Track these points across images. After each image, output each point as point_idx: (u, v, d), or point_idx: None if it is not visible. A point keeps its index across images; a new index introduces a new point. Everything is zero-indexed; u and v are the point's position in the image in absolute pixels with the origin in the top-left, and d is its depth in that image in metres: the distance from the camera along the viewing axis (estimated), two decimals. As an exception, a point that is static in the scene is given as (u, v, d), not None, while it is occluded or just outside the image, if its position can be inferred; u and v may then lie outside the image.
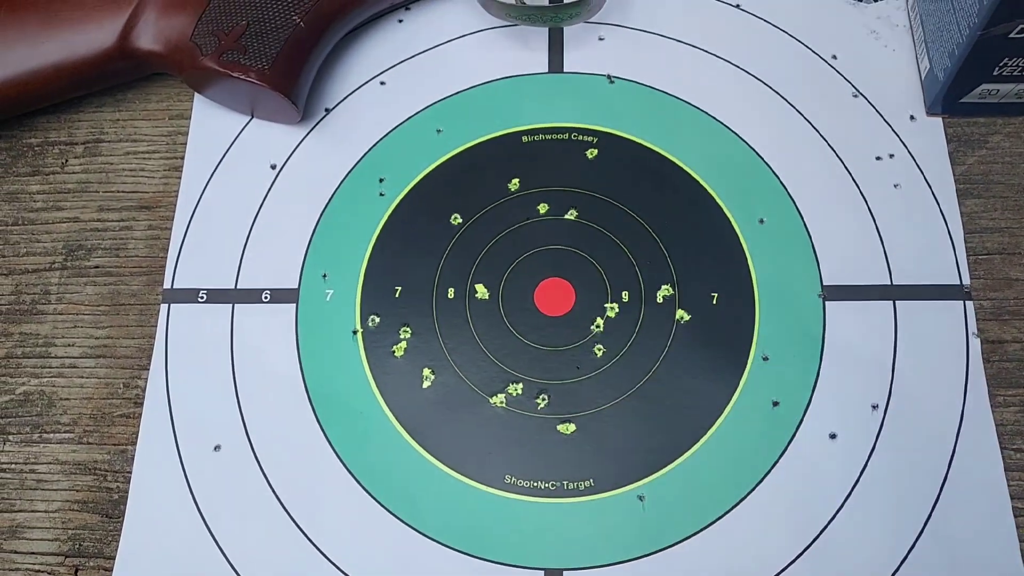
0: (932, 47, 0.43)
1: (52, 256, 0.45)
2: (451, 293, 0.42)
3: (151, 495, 0.39)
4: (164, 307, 0.43)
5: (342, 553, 0.38)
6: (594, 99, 0.46)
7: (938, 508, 0.37)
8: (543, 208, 0.44)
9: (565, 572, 0.37)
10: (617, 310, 0.42)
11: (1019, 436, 0.38)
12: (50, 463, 0.41)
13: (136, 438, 0.41)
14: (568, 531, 0.38)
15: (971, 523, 0.37)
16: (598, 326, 0.41)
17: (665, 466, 0.39)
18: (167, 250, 0.44)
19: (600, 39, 0.47)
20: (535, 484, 0.39)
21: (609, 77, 0.46)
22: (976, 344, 0.40)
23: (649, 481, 0.38)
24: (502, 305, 0.42)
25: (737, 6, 0.48)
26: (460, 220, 0.44)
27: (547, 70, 0.47)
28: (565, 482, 0.39)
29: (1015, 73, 0.40)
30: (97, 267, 0.44)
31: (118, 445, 0.41)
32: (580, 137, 0.45)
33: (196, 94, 0.47)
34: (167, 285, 0.43)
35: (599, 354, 0.41)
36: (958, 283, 0.41)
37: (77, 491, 0.40)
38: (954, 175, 0.43)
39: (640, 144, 0.45)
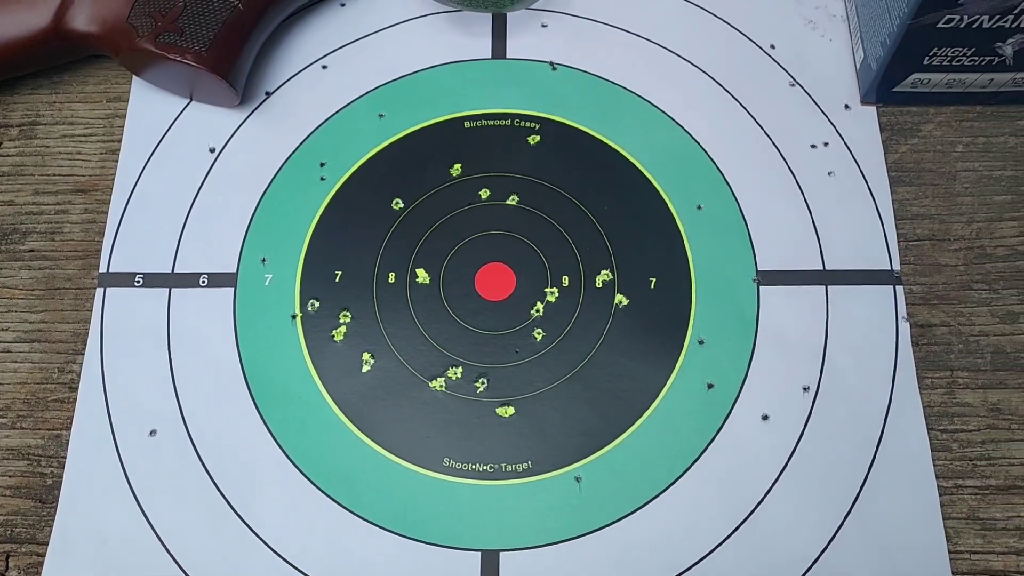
0: (866, 37, 0.44)
1: (-15, 240, 0.44)
2: (392, 278, 0.42)
3: (86, 480, 0.39)
4: (100, 291, 0.42)
5: (279, 537, 0.38)
6: (537, 86, 0.46)
7: (866, 487, 0.38)
8: (485, 193, 0.44)
9: (502, 553, 0.38)
10: (557, 295, 0.42)
11: (945, 417, 0.39)
12: (-18, 449, 0.40)
13: (71, 423, 0.40)
14: (505, 513, 0.38)
15: (898, 502, 0.38)
16: (538, 310, 0.42)
17: (601, 448, 0.39)
18: (103, 234, 0.44)
19: (543, 26, 0.48)
20: (473, 467, 0.39)
21: (552, 64, 0.47)
22: (905, 328, 0.41)
23: (586, 463, 0.39)
24: (443, 290, 0.42)
25: (679, -5, 0.48)
26: (401, 205, 0.44)
27: (490, 56, 0.47)
28: (503, 464, 0.39)
29: (944, 63, 0.41)
30: (32, 251, 0.44)
31: (52, 430, 0.40)
32: (522, 123, 0.45)
33: (134, 77, 0.47)
34: (103, 269, 0.43)
35: (538, 338, 0.41)
36: (889, 268, 0.42)
37: (10, 476, 0.40)
38: (887, 163, 0.44)
39: (582, 131, 0.45)
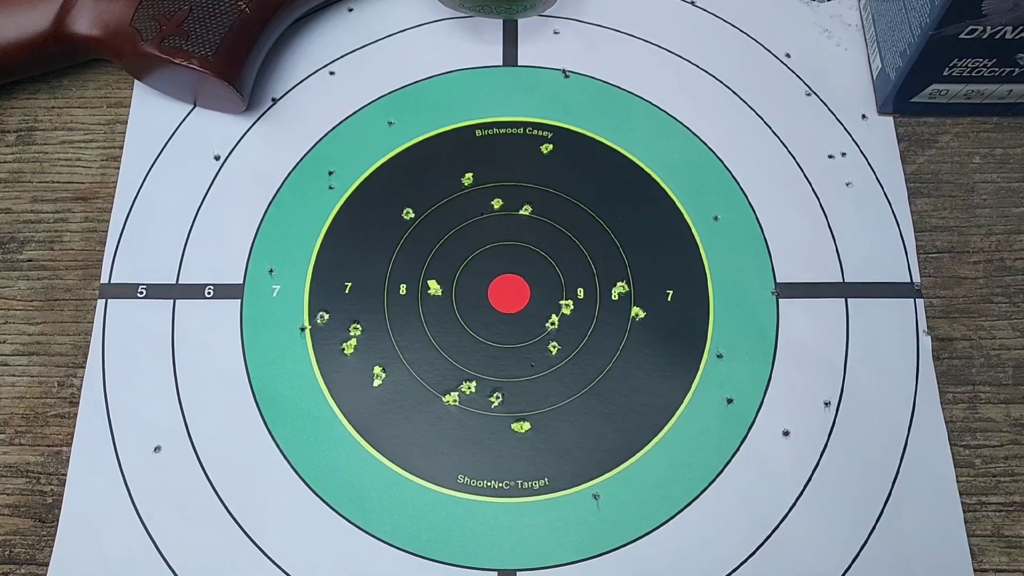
0: (884, 47, 0.43)
1: (-19, 249, 0.43)
2: (403, 289, 0.41)
3: (87, 498, 0.38)
4: (101, 302, 0.41)
5: (289, 557, 0.37)
6: (549, 93, 0.45)
7: (889, 504, 0.37)
8: (497, 203, 0.43)
9: (519, 573, 0.37)
10: (572, 307, 0.41)
11: (968, 432, 0.39)
12: (-22, 466, 0.39)
13: (71, 439, 0.39)
14: (522, 531, 0.37)
15: (921, 518, 0.37)
16: (553, 323, 0.41)
17: (619, 464, 0.38)
18: (104, 243, 0.42)
19: (555, 33, 0.47)
20: (488, 484, 0.38)
21: (564, 72, 0.46)
22: (926, 342, 0.40)
23: (603, 480, 0.38)
24: (455, 302, 0.41)
25: (692, 3, 0.48)
26: (412, 215, 0.43)
27: (501, 63, 0.46)
28: (519, 481, 0.38)
29: (964, 74, 0.41)
30: (30, 260, 0.42)
31: (52, 446, 0.39)
32: (535, 132, 0.45)
33: (136, 82, 0.45)
34: (104, 280, 0.42)
35: (554, 352, 0.40)
36: (908, 281, 0.41)
37: (8, 495, 0.38)
38: (905, 174, 0.43)
39: (595, 139, 0.44)
